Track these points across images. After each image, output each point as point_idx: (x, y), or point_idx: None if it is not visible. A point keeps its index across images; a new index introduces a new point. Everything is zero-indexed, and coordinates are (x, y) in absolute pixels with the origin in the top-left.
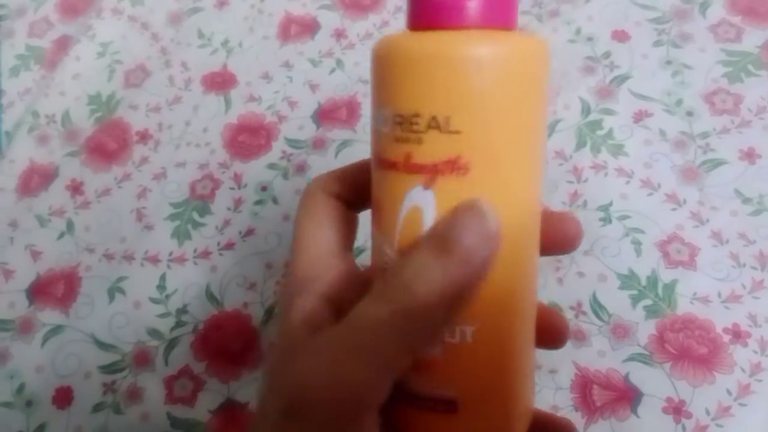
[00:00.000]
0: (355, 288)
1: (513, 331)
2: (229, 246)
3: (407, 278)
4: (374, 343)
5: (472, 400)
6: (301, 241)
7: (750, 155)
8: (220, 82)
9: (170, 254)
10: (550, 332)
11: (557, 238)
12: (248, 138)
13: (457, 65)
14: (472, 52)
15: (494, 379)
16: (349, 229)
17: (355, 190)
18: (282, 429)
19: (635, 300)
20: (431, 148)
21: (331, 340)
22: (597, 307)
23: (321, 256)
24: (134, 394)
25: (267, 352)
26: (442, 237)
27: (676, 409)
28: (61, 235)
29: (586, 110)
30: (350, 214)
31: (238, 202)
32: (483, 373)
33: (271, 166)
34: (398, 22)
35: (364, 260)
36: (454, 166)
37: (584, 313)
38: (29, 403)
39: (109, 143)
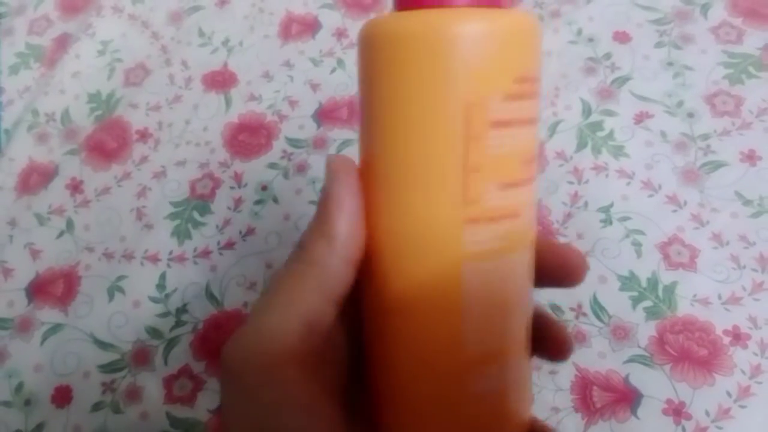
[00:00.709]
0: None
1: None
2: (229, 245)
3: (305, 233)
4: (286, 295)
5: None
6: None
7: (751, 157)
8: (220, 81)
9: (170, 253)
10: (551, 344)
11: (560, 269)
12: (249, 137)
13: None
14: (364, 31)
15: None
16: None
17: None
18: (221, 390)
19: (635, 301)
20: None
21: (257, 301)
22: (597, 308)
23: None
24: (133, 394)
25: None
26: None
27: (676, 411)
28: (61, 234)
29: (586, 111)
30: None
31: (238, 202)
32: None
33: (272, 166)
34: None
35: None
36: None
37: (584, 315)
38: (28, 402)
39: (108, 142)
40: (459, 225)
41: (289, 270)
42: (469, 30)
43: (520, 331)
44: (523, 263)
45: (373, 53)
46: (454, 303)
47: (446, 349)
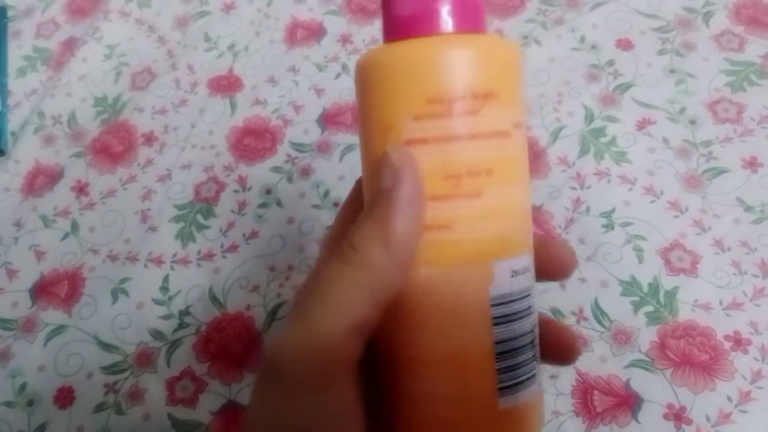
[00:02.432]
0: None
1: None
2: (233, 248)
3: (351, 235)
4: (337, 297)
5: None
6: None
7: (752, 164)
8: (225, 86)
9: (174, 256)
10: (559, 348)
11: (551, 265)
12: (253, 141)
13: None
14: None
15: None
16: None
17: None
18: (260, 389)
19: (637, 306)
20: None
21: (302, 300)
22: (599, 313)
23: None
24: (136, 395)
25: None
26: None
27: (677, 416)
28: (66, 236)
29: (589, 117)
30: None
31: (242, 205)
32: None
33: (276, 170)
34: None
35: None
36: None
37: (586, 319)
38: (30, 403)
39: (114, 145)
40: None
41: (339, 271)
42: (372, 62)
43: (483, 335)
44: (476, 273)
45: None
46: (411, 304)
47: (406, 346)
